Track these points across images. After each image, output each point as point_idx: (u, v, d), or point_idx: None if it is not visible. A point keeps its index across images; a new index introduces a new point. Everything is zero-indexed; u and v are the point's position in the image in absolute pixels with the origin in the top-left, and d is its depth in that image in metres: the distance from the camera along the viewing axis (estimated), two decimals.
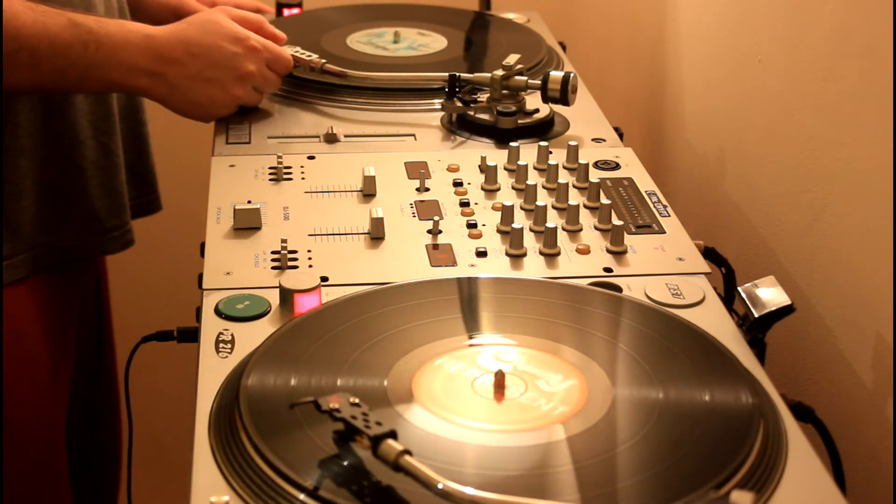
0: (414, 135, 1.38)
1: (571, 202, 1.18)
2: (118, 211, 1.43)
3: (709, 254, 1.17)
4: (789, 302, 1.00)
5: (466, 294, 1.06)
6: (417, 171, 1.27)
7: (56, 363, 1.39)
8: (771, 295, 1.01)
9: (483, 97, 1.39)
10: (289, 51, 1.47)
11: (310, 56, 1.45)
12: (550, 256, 1.13)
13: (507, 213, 1.17)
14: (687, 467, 0.83)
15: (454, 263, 1.12)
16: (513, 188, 1.24)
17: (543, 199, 1.21)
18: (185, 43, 1.31)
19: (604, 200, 1.20)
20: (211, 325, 1.01)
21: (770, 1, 1.35)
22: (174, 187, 1.74)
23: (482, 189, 1.25)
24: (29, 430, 1.37)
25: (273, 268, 1.10)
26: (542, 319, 1.01)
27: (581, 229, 1.17)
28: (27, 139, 1.31)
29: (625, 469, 0.84)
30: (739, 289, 1.03)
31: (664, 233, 1.17)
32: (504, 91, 1.38)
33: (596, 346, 0.97)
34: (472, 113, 1.38)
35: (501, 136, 1.35)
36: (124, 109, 1.48)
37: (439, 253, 1.13)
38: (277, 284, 1.04)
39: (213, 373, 0.95)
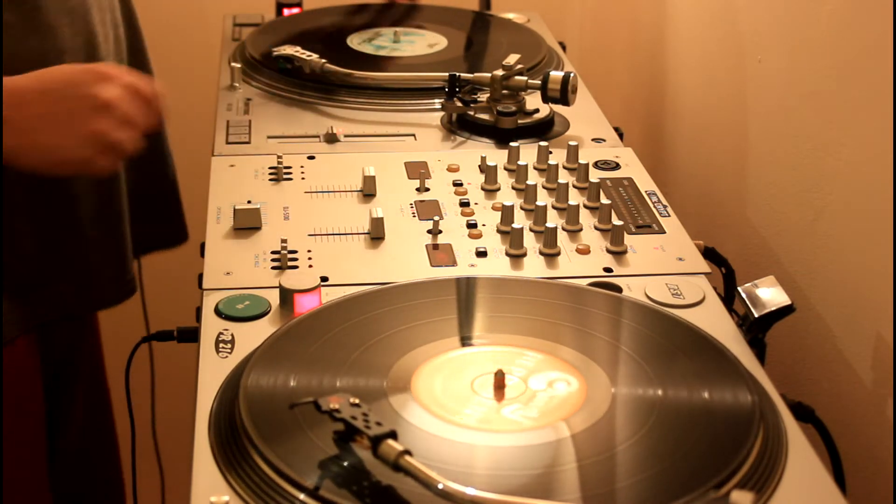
0: (414, 135, 1.38)
1: (571, 202, 1.18)
2: (119, 261, 1.36)
3: (709, 254, 1.17)
4: (789, 302, 1.00)
5: (466, 294, 1.06)
6: (417, 171, 1.27)
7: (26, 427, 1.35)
8: (771, 295, 1.01)
9: (483, 97, 1.39)
10: (289, 50, 1.47)
11: (310, 56, 1.45)
12: (550, 256, 1.13)
13: (507, 213, 1.17)
14: (687, 467, 0.83)
15: (454, 263, 1.12)
16: (513, 188, 1.24)
17: (543, 199, 1.21)
18: (37, 80, 1.12)
19: (604, 200, 1.20)
20: (211, 325, 1.01)
21: (770, 1, 1.35)
22: None
23: (482, 189, 1.25)
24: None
25: (273, 268, 1.10)
26: (542, 319, 1.01)
27: (581, 229, 1.17)
28: (21, 195, 1.24)
29: (625, 469, 0.84)
30: (739, 289, 1.03)
31: (664, 233, 1.17)
32: (504, 91, 1.38)
33: (596, 346, 0.97)
34: (472, 113, 1.38)
35: (501, 136, 1.35)
36: None
37: (439, 253, 1.13)
38: (277, 284, 1.04)
39: (213, 373, 0.95)
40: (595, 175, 1.27)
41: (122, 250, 1.37)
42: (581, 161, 1.26)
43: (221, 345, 0.98)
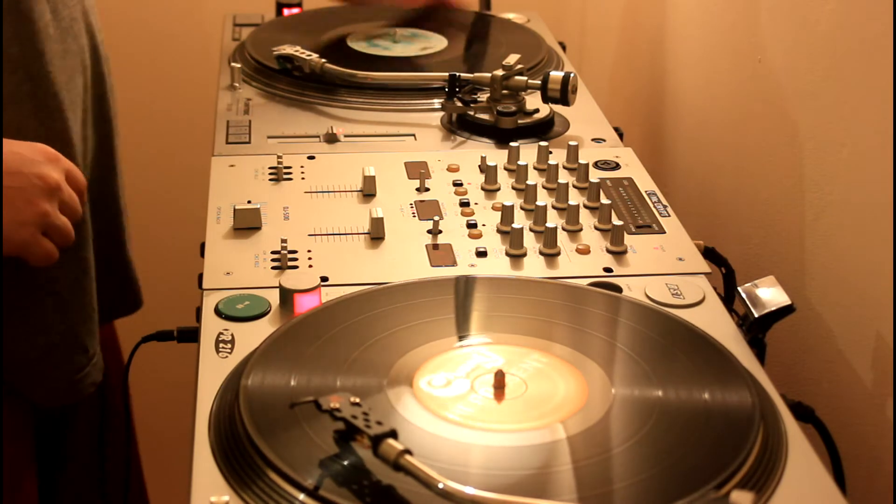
0: (414, 135, 1.38)
1: (571, 202, 1.18)
2: (88, 336, 1.30)
3: (709, 254, 1.17)
4: (789, 302, 1.00)
5: (466, 294, 1.06)
6: (417, 171, 1.27)
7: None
8: (771, 295, 1.01)
9: (483, 97, 1.39)
10: (289, 50, 1.47)
11: (310, 56, 1.45)
12: (550, 256, 1.13)
13: (507, 213, 1.17)
14: (687, 467, 0.83)
15: (454, 263, 1.12)
16: (513, 188, 1.24)
17: (543, 199, 1.21)
18: None
19: (604, 200, 1.20)
20: (211, 325, 1.01)
21: (770, 1, 1.35)
22: (174, 187, 1.74)
23: (482, 189, 1.25)
24: None
25: (273, 268, 1.10)
26: (542, 319, 1.01)
27: (581, 229, 1.17)
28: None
29: (625, 469, 0.84)
30: (739, 289, 1.03)
31: (664, 233, 1.17)
32: (504, 91, 1.38)
33: (596, 346, 0.97)
34: (472, 113, 1.38)
35: (501, 136, 1.35)
36: (97, 195, 1.35)
37: (439, 253, 1.13)
38: (277, 284, 1.04)
39: (213, 373, 0.95)
40: (595, 175, 1.27)
41: (90, 323, 1.32)
42: (581, 161, 1.26)
43: (221, 345, 0.98)
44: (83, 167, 1.30)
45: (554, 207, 1.20)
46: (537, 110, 1.38)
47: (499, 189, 1.25)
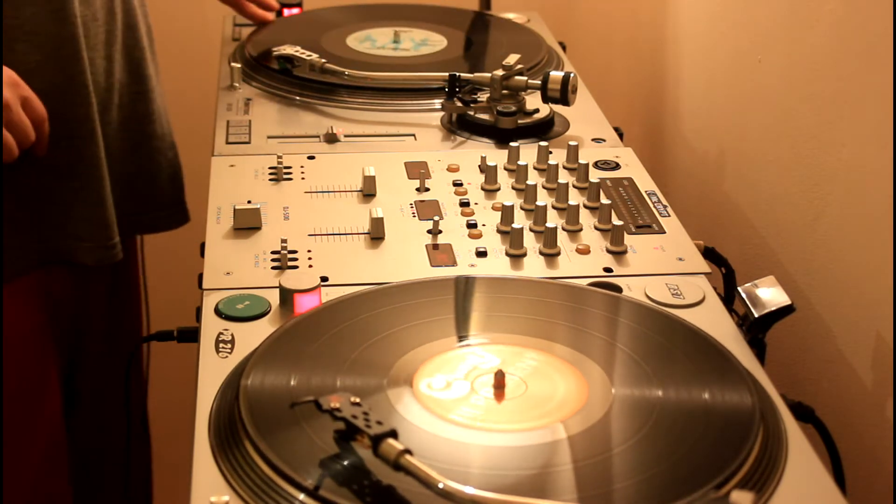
0: (414, 135, 1.38)
1: (571, 202, 1.18)
2: (100, 224, 1.39)
3: (709, 254, 1.17)
4: (789, 302, 1.00)
5: (466, 294, 1.06)
6: (417, 171, 1.27)
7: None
8: (771, 295, 1.01)
9: (483, 97, 1.39)
10: (289, 50, 1.47)
11: (310, 56, 1.45)
12: (550, 256, 1.13)
13: (507, 213, 1.17)
14: (687, 467, 0.83)
15: (454, 263, 1.12)
16: (513, 188, 1.24)
17: (543, 199, 1.21)
18: None
19: (604, 200, 1.20)
20: (211, 325, 1.01)
21: (770, 1, 1.35)
22: None
23: (482, 189, 1.25)
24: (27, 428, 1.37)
25: (273, 268, 1.10)
26: (542, 319, 1.01)
27: (581, 229, 1.17)
28: None
29: (625, 469, 0.84)
30: (739, 289, 1.03)
31: (664, 233, 1.17)
32: (504, 91, 1.38)
33: (596, 346, 0.97)
34: (472, 113, 1.38)
35: (501, 136, 1.35)
36: (127, 119, 1.47)
37: (439, 253, 1.13)
38: (277, 284, 1.04)
39: (213, 373, 0.95)
40: (595, 175, 1.27)
41: (102, 213, 1.39)
42: (581, 161, 1.26)
43: (221, 345, 0.98)
44: (108, 84, 1.41)
45: (554, 207, 1.20)
46: (537, 110, 1.38)
47: (499, 189, 1.25)
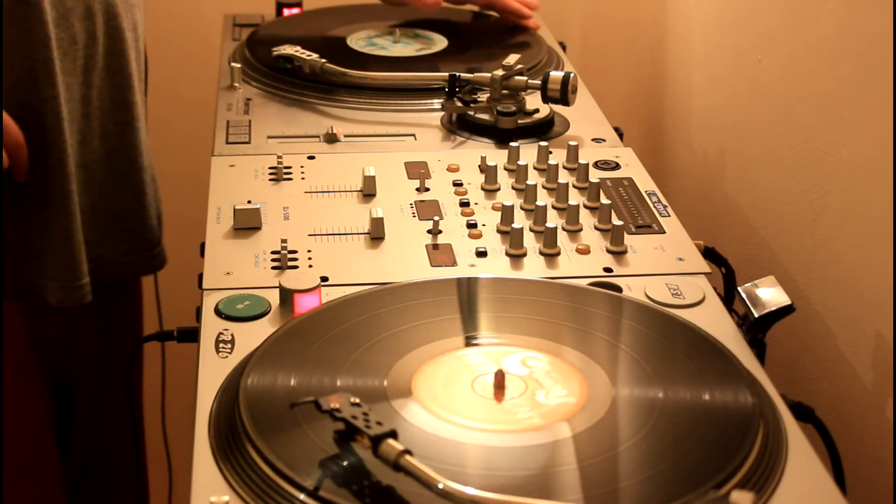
0: (414, 135, 1.38)
1: (571, 202, 1.18)
2: (67, 262, 1.33)
3: (709, 254, 1.17)
4: (789, 302, 1.00)
5: (466, 294, 1.06)
6: (417, 171, 1.27)
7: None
8: (771, 295, 1.01)
9: (483, 97, 1.39)
10: (289, 50, 1.47)
11: (310, 56, 1.45)
12: (550, 256, 1.13)
13: (507, 213, 1.17)
14: (687, 467, 0.83)
15: (454, 263, 1.12)
16: (513, 188, 1.24)
17: (543, 199, 1.21)
18: None
19: (604, 200, 1.20)
20: (211, 325, 1.01)
21: (770, 1, 1.35)
22: (174, 187, 1.74)
23: (482, 189, 1.25)
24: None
25: (273, 268, 1.10)
26: (542, 320, 1.01)
27: (581, 229, 1.17)
28: None
29: (625, 469, 0.84)
30: (739, 289, 1.03)
31: (664, 233, 1.17)
32: (504, 91, 1.38)
33: (596, 347, 0.97)
34: (472, 113, 1.38)
35: (501, 136, 1.35)
36: (113, 150, 1.41)
37: (439, 253, 1.13)
38: (277, 284, 1.04)
39: (213, 373, 0.95)
40: (595, 175, 1.27)
41: (71, 251, 1.34)
42: (581, 161, 1.26)
43: (221, 345, 0.98)
44: (85, 112, 1.35)
45: (554, 207, 1.20)
46: (537, 110, 1.38)
47: (499, 189, 1.25)
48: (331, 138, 1.36)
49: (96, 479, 1.56)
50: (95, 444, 1.54)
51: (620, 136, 1.39)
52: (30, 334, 1.37)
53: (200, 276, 1.10)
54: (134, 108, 1.43)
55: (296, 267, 1.10)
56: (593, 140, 1.37)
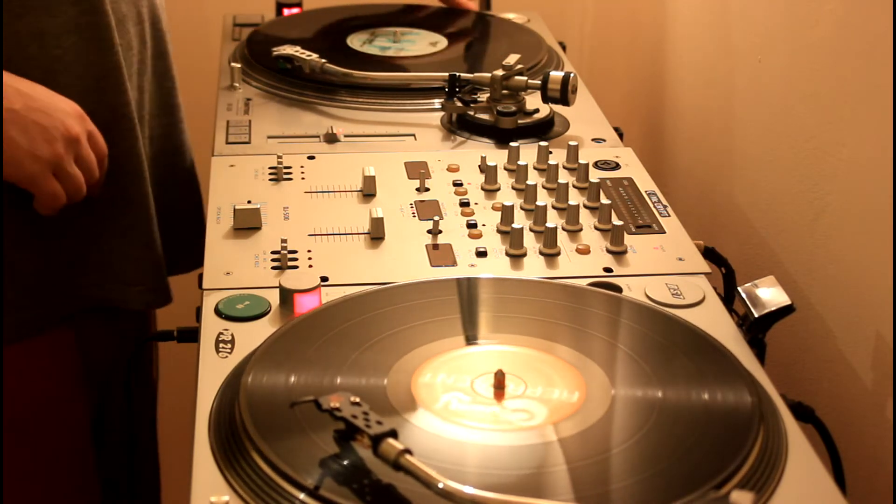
0: (414, 135, 1.38)
1: (571, 202, 1.18)
2: (150, 266, 1.33)
3: (709, 254, 1.17)
4: (789, 302, 1.00)
5: (466, 294, 1.06)
6: (417, 171, 1.27)
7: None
8: (771, 295, 1.01)
9: (483, 97, 1.39)
10: (289, 50, 1.47)
11: (310, 56, 1.45)
12: (550, 256, 1.13)
13: (507, 213, 1.17)
14: (687, 467, 0.83)
15: (454, 263, 1.12)
16: (513, 188, 1.24)
17: (543, 199, 1.21)
18: (28, 85, 1.18)
19: (604, 200, 1.20)
20: (211, 325, 1.01)
21: (770, 1, 1.35)
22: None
23: (482, 189, 1.25)
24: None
25: (273, 268, 1.10)
26: (541, 320, 1.01)
27: (581, 229, 1.17)
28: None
29: (624, 469, 0.84)
30: (739, 289, 1.03)
31: (664, 233, 1.17)
32: (504, 91, 1.38)
33: (595, 347, 0.97)
34: (472, 113, 1.38)
35: (501, 136, 1.35)
36: (158, 154, 1.40)
37: (439, 253, 1.13)
38: (277, 284, 1.04)
39: (213, 373, 0.95)
40: (595, 175, 1.27)
41: (152, 253, 1.34)
42: (581, 161, 1.26)
43: (221, 345, 0.99)
44: (139, 116, 1.34)
45: (554, 207, 1.20)
46: (537, 110, 1.38)
47: (499, 189, 1.25)
48: (331, 138, 1.36)
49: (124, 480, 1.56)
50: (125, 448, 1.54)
51: (620, 136, 1.39)
52: (76, 339, 1.35)
53: (200, 276, 1.10)
54: (178, 110, 1.45)
55: (296, 267, 1.10)
56: (593, 140, 1.37)
